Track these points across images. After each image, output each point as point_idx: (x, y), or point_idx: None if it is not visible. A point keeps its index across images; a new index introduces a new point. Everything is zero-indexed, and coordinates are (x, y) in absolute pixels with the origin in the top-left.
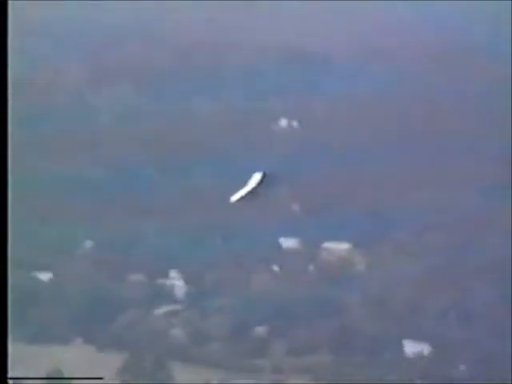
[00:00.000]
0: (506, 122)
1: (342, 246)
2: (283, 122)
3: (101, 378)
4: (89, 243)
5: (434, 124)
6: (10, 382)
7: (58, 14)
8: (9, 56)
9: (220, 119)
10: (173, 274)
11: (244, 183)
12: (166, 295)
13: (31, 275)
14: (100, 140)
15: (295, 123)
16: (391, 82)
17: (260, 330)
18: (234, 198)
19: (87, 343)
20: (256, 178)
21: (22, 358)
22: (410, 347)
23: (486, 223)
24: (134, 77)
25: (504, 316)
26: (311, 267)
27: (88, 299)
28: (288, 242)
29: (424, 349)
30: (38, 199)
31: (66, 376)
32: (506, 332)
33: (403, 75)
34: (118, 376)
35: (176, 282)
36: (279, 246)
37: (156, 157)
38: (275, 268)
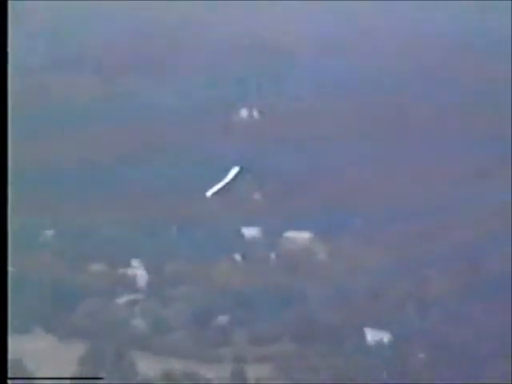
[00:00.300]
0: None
1: (304, 236)
2: (244, 112)
3: (101, 378)
4: (49, 232)
5: (396, 113)
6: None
7: None
8: (9, 56)
9: (180, 110)
10: (134, 263)
11: (205, 173)
12: (128, 284)
13: None
14: (62, 129)
15: (256, 113)
16: (352, 74)
17: (222, 319)
18: (210, 192)
19: (48, 333)
20: (232, 172)
21: None
22: (371, 335)
23: (449, 212)
24: (96, 67)
25: (460, 304)
26: (273, 256)
27: (48, 289)
28: (250, 231)
29: (384, 337)
30: None
31: (29, 368)
32: (462, 320)
33: (364, 67)
34: (79, 366)
35: (137, 271)
36: (241, 235)
37: (117, 148)
38: (237, 257)
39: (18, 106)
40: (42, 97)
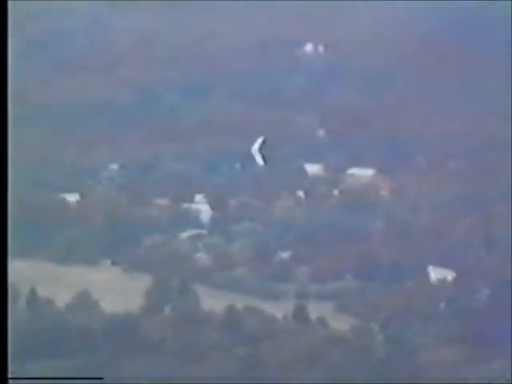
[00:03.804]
0: None
1: (367, 172)
2: (309, 47)
3: (101, 378)
4: (114, 166)
5: (458, 51)
6: (10, 381)
7: None
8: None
9: (244, 43)
10: (198, 198)
11: (270, 109)
12: (191, 219)
13: (59, 197)
14: (122, 64)
15: (321, 48)
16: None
17: (284, 256)
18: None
19: (114, 265)
20: (258, 142)
21: (50, 279)
22: (435, 273)
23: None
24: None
25: None
26: (336, 193)
27: (114, 222)
28: (313, 168)
29: (448, 275)
30: (64, 122)
31: (93, 296)
32: None
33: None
34: (143, 298)
35: (201, 206)
36: (304, 172)
37: (178, 80)
38: (300, 193)
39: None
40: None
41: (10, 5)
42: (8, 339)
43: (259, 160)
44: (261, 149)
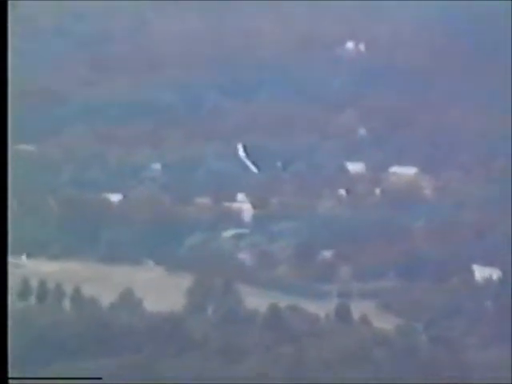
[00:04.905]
0: None
1: (409, 171)
2: (350, 45)
3: (99, 378)
4: (156, 166)
5: (502, 50)
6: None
7: None
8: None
9: (285, 42)
10: (240, 197)
11: (310, 107)
12: (233, 218)
13: (102, 197)
14: (165, 64)
15: (362, 46)
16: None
17: (326, 254)
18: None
19: (157, 264)
20: (240, 150)
21: (94, 278)
22: (479, 272)
23: None
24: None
25: None
26: (378, 191)
27: (157, 221)
28: (355, 166)
29: (493, 273)
30: (106, 122)
31: (137, 296)
32: None
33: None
34: (186, 297)
35: (243, 205)
36: (346, 170)
37: (220, 79)
38: (341, 192)
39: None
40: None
41: (58, 6)
42: (8, 339)
43: (251, 167)
44: (247, 155)
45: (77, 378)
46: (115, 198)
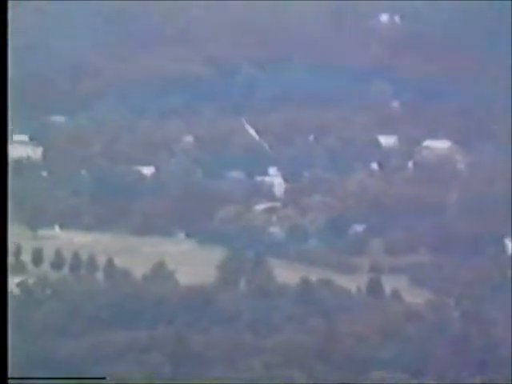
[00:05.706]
0: None
1: (443, 144)
2: (384, 17)
3: (104, 378)
4: (189, 138)
5: None
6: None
7: None
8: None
9: (320, 14)
10: (272, 171)
11: (343, 79)
12: (265, 192)
13: (134, 169)
14: (197, 37)
15: (397, 18)
16: None
17: (357, 228)
18: None
19: (189, 237)
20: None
21: (126, 250)
22: None
23: None
24: None
25: None
26: (410, 165)
27: (188, 194)
28: (387, 140)
29: None
30: (139, 96)
31: (169, 268)
32: None
33: None
34: (217, 270)
35: (275, 179)
36: (378, 144)
37: (252, 52)
38: (373, 166)
39: None
40: None
41: None
42: (8, 339)
43: (254, 134)
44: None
45: (80, 378)
46: (147, 170)
